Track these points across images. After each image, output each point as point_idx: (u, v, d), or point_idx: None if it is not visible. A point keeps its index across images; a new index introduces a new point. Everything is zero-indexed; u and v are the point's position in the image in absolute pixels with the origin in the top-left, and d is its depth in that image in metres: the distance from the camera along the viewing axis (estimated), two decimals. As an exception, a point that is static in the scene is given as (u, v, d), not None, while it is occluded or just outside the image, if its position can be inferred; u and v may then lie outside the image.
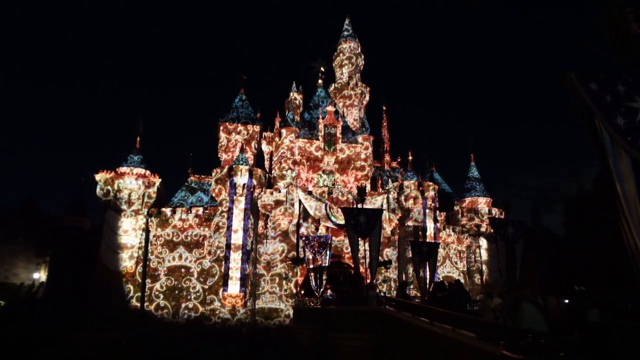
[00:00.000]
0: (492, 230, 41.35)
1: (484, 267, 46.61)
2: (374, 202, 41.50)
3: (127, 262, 39.32)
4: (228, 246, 37.97)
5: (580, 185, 45.12)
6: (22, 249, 61.78)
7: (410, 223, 42.53)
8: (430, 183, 44.41)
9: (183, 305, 38.81)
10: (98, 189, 40.45)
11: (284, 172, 43.65)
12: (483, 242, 47.52)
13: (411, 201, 42.53)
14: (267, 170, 47.70)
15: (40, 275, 61.02)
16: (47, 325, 36.95)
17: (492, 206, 49.19)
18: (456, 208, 49.97)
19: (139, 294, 39.03)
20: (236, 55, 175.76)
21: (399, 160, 54.48)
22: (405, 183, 42.95)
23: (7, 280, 57.55)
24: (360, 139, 46.66)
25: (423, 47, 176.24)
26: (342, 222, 35.33)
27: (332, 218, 39.84)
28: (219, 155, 45.81)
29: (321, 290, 33.58)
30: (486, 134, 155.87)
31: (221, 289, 37.36)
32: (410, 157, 46.12)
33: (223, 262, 37.88)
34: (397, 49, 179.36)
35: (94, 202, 42.05)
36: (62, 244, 45.08)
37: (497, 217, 45.94)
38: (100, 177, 40.63)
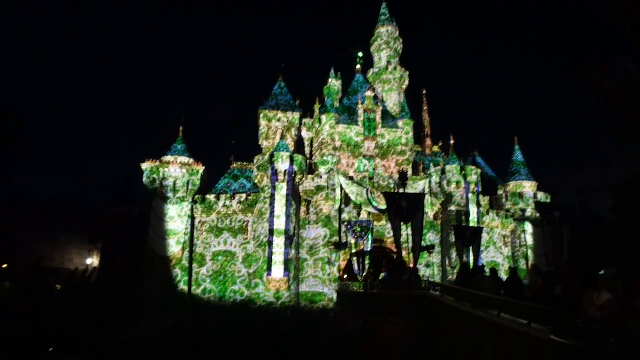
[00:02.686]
0: (538, 215, 40.68)
1: (530, 252, 45.56)
2: (415, 187, 40.99)
3: (174, 247, 40.28)
4: (271, 231, 38.16)
5: (630, 168, 43.15)
6: (76, 237, 64.42)
7: (453, 208, 41.91)
8: (473, 167, 43.58)
9: (229, 289, 39.69)
10: (145, 178, 41.48)
11: (324, 158, 43.47)
12: (528, 227, 46.43)
13: (454, 185, 41.82)
14: (308, 156, 47.77)
15: (93, 261, 63.34)
16: (101, 309, 38.30)
17: (538, 190, 47.94)
18: (500, 192, 48.90)
19: (187, 278, 40.03)
20: (275, 43, 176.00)
21: (440, 144, 53.87)
22: (448, 167, 42.26)
23: (63, 266, 60.12)
24: (400, 123, 46.12)
25: (463, 27, 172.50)
26: (384, 207, 34.95)
27: (374, 203, 39.46)
28: (260, 143, 46.63)
29: (364, 274, 33.51)
30: (531, 116, 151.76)
31: (265, 273, 37.69)
32: (452, 141, 45.49)
33: (267, 247, 38.16)
34: (436, 31, 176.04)
35: (141, 190, 43.30)
36: (112, 232, 46.67)
37: (543, 201, 45.04)
38: (146, 166, 41.64)
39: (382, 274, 26.16)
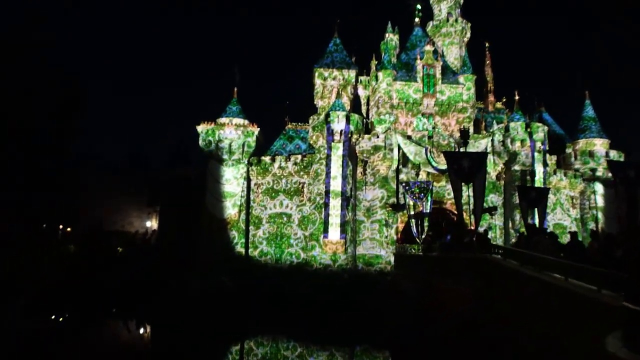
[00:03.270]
0: (609, 175, 40.33)
1: (600, 215, 44.00)
2: (477, 145, 40.06)
3: (231, 209, 41.29)
4: (327, 193, 38.24)
5: None
6: (135, 200, 66.98)
7: (517, 167, 40.79)
8: (539, 124, 42.04)
9: (285, 251, 40.42)
10: (200, 140, 42.36)
11: (381, 117, 43.03)
12: (599, 188, 44.63)
13: (518, 144, 40.55)
14: (365, 115, 47.18)
15: (152, 224, 65.81)
16: (161, 270, 39.76)
17: (610, 148, 45.90)
18: (568, 151, 47.26)
19: (243, 240, 41.09)
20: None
21: (504, 100, 52.10)
22: (512, 124, 40.94)
23: (124, 229, 62.80)
24: (461, 79, 44.94)
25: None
26: (444, 167, 34.45)
27: (433, 163, 39.01)
28: (315, 102, 46.60)
29: (422, 237, 33.44)
30: (604, 69, 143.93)
31: (322, 235, 37.92)
32: (516, 97, 43.97)
33: (323, 209, 38.33)
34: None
35: (198, 153, 44.31)
36: (170, 194, 48.06)
37: (616, 159, 43.15)
38: (201, 128, 42.40)
39: (443, 237, 25.91)
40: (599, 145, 46.09)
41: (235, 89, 44.66)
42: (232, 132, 42.11)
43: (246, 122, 43.27)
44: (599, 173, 44.89)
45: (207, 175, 41.87)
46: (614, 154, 44.94)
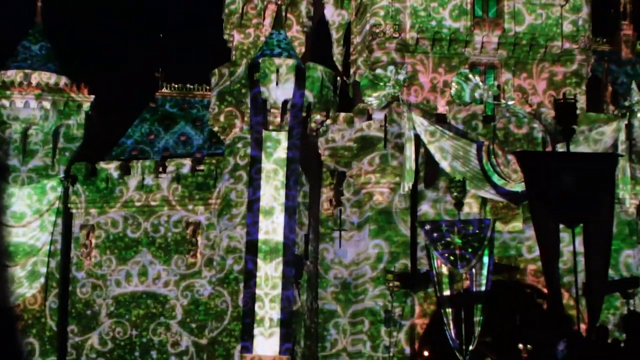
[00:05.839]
0: None
1: None
2: (596, 138, 36.78)
3: (26, 286, 37.00)
4: (252, 248, 34.13)
5: None
6: None
7: None
8: None
9: None
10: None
11: (379, 72, 38.34)
12: None
13: None
14: (340, 68, 44.39)
15: None
16: None
17: None
18: None
19: (54, 358, 36.80)
20: None
21: None
22: None
23: None
24: None
25: None
26: (521, 186, 31.21)
27: (496, 178, 35.30)
28: (225, 37, 44.73)
29: (471, 347, 31.13)
30: None
31: (238, 346, 33.85)
32: None
33: (242, 286, 34.34)
34: None
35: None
36: None
37: None
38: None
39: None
40: None
41: (39, 3, 41.40)
42: (32, 103, 38.29)
43: (64, 80, 39.86)
44: None
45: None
46: None
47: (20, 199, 37.86)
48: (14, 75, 39.00)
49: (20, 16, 44.60)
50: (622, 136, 37.38)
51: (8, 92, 38.22)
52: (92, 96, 39.52)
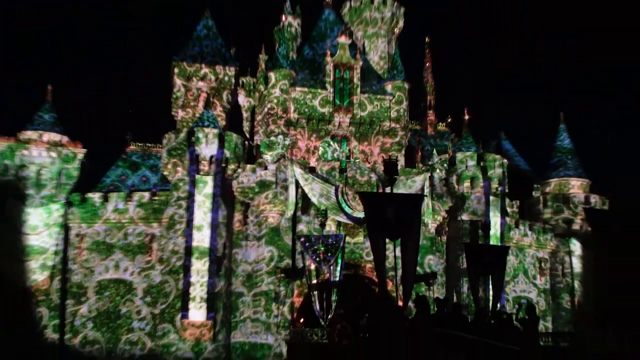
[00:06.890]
0: (589, 228, 45.11)
1: (576, 284, 48.09)
2: (410, 184, 43.47)
3: (38, 274, 42.65)
4: (188, 251, 40.86)
5: None
6: None
7: (465, 217, 44.76)
8: (497, 156, 46.00)
9: (123, 338, 42.41)
10: (-11, 166, 40.41)
11: (272, 139, 45.18)
12: (576, 246, 48.86)
13: (467, 183, 44.76)
14: (247, 135, 49.64)
15: None
16: None
17: (590, 192, 50.06)
18: (536, 194, 51.51)
19: (57, 321, 42.46)
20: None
21: (449, 120, 56.32)
22: (459, 156, 44.62)
23: None
24: (389, 87, 48.32)
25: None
26: (362, 214, 36.95)
27: (347, 209, 42.01)
28: (173, 113, 49.65)
29: (329, 317, 35.65)
30: (582, 85, 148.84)
31: (179, 315, 40.23)
32: (466, 117, 47.61)
33: (181, 275, 40.89)
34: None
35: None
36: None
37: (597, 208, 47.76)
38: (-8, 146, 40.39)
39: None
40: (577, 187, 50.95)
41: (50, 88, 45.74)
42: (43, 153, 43.55)
43: (65, 139, 44.59)
44: (575, 226, 49.38)
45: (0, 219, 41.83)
46: (595, 200, 49.66)
47: (34, 216, 42.63)
48: (31, 134, 44.06)
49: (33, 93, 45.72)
50: (427, 184, 43.91)
51: (27, 145, 43.16)
52: (85, 150, 44.38)
